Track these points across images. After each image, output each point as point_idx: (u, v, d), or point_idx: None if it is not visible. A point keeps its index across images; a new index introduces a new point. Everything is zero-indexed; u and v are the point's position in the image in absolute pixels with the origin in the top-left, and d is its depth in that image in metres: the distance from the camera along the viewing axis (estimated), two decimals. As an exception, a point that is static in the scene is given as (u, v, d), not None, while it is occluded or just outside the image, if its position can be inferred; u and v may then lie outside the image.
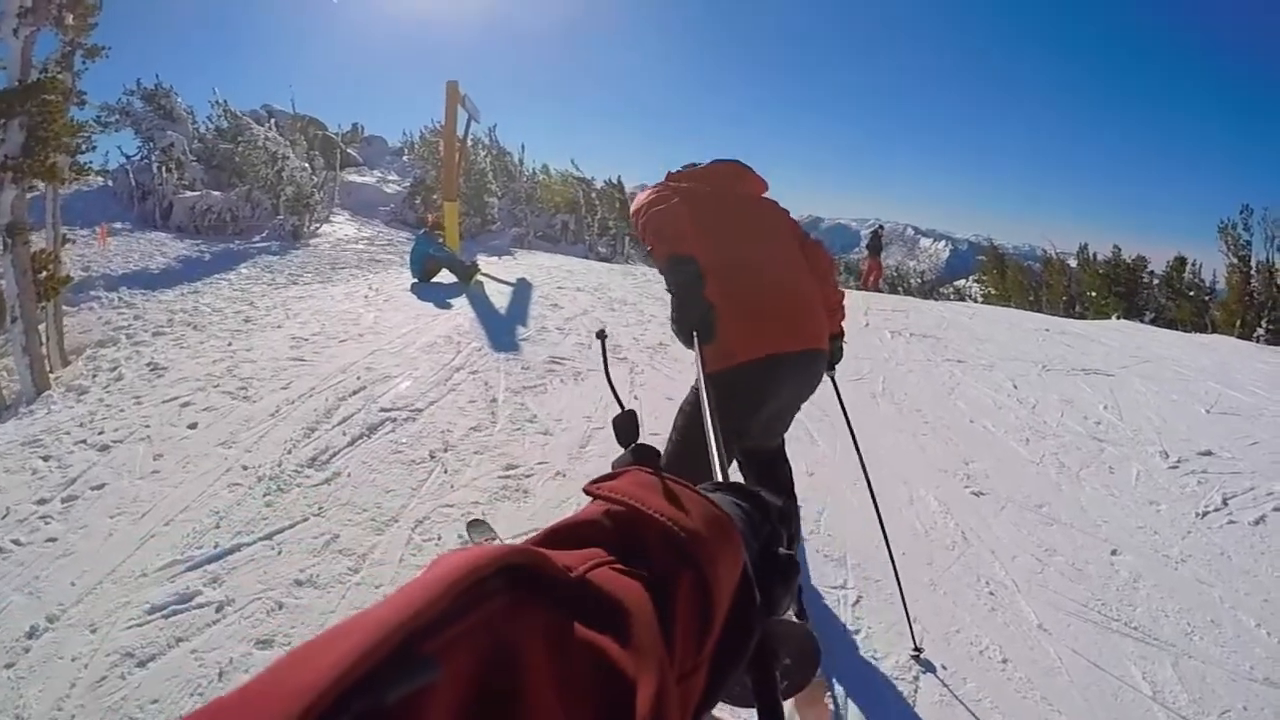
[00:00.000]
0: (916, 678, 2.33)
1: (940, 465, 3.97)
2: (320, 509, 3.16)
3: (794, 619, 0.52)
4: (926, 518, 3.36)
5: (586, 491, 0.46)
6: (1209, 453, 4.32)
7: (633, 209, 2.19)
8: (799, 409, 2.41)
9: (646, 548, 0.41)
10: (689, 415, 2.23)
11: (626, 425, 0.74)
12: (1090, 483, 3.86)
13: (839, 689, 2.27)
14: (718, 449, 0.97)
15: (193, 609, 2.52)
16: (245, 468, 3.55)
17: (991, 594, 2.79)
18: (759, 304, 2.12)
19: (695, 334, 1.76)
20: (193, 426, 4.07)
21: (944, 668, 2.37)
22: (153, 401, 4.49)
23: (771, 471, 2.50)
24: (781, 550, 0.51)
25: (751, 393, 2.12)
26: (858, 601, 2.71)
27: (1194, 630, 2.68)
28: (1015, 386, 5.43)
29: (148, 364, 5.24)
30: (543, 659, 0.30)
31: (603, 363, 0.95)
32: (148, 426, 4.09)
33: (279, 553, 2.84)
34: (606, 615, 0.34)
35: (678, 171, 2.40)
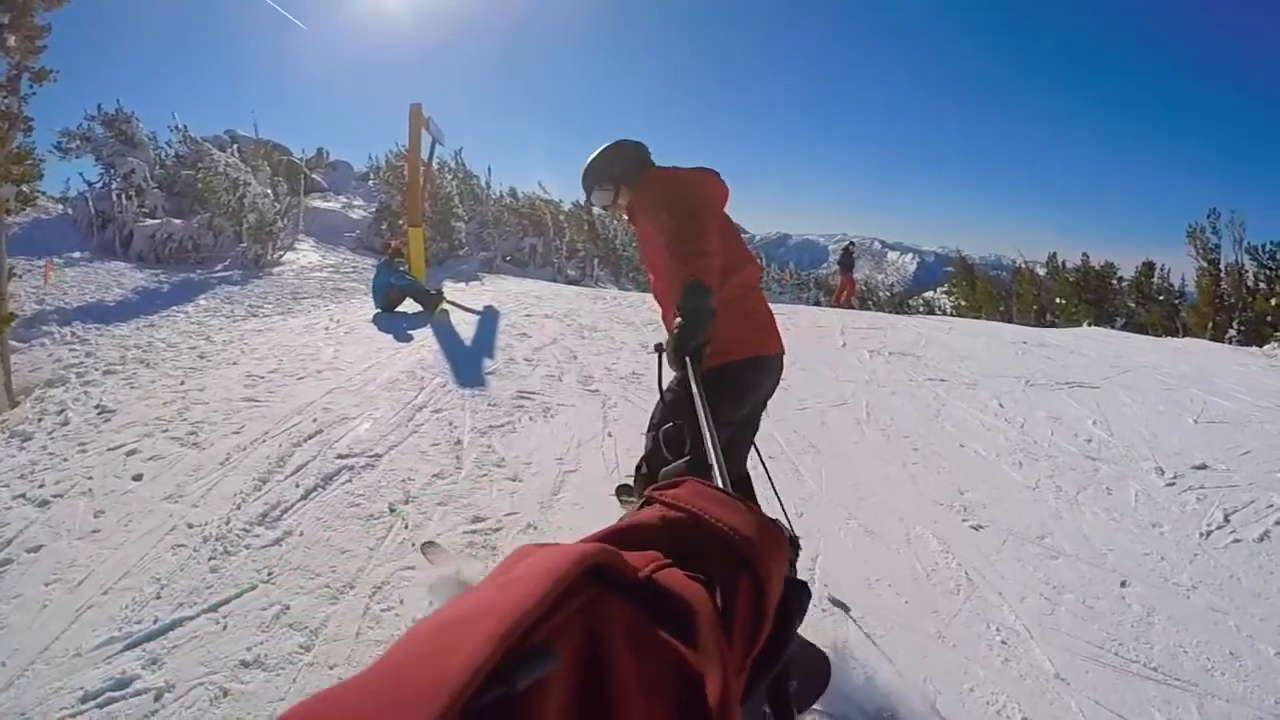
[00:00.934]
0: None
1: (935, 497, 3.78)
2: (270, 574, 2.88)
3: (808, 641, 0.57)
4: (926, 558, 3.16)
5: (648, 497, 0.50)
6: (1203, 466, 4.21)
7: (669, 198, 2.15)
8: (761, 417, 2.58)
9: (703, 552, 0.44)
10: (673, 405, 2.22)
11: (677, 437, 0.80)
12: (1090, 507, 3.69)
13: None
14: (717, 461, 1.00)
15: (130, 696, 2.24)
16: (191, 526, 3.26)
17: (1004, 642, 2.59)
18: (750, 309, 2.34)
19: (689, 359, 1.70)
20: (137, 478, 3.78)
21: (961, 735, 2.16)
22: (98, 449, 4.19)
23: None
24: (796, 576, 0.55)
25: (739, 387, 2.30)
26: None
27: (1214, 665, 2.52)
28: (1001, 405, 5.29)
29: (96, 406, 4.93)
30: (625, 650, 0.33)
31: (658, 375, 1.06)
32: (90, 478, 3.78)
33: (224, 627, 2.56)
34: (674, 614, 0.37)
35: (677, 167, 2.44)
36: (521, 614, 0.28)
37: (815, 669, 0.52)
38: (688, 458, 0.71)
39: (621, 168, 2.48)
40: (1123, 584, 3.01)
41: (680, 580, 0.40)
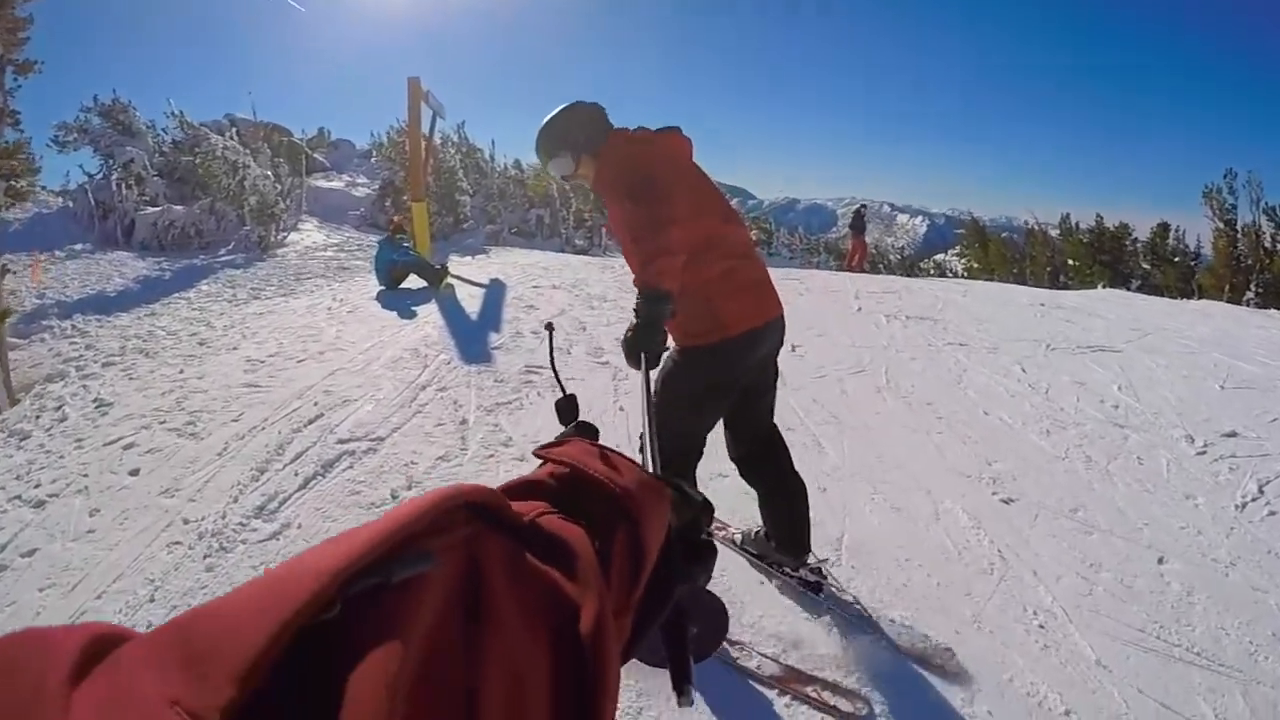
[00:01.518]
0: (975, 746, 2.00)
1: (962, 468, 3.63)
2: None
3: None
4: (957, 535, 3.02)
5: (536, 455, 0.53)
6: (1233, 434, 4.05)
7: (630, 179, 2.10)
8: (776, 374, 2.54)
9: (584, 502, 0.46)
10: (662, 418, 2.24)
11: (568, 407, 0.88)
12: (1122, 478, 3.54)
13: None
14: (652, 447, 1.07)
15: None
16: (186, 521, 3.16)
17: (1041, 627, 2.46)
18: (743, 280, 2.25)
19: (645, 357, 1.77)
20: (134, 473, 3.67)
21: (1002, 729, 2.04)
22: (94, 444, 4.07)
23: (768, 453, 2.57)
24: (702, 536, 0.58)
25: (737, 361, 2.26)
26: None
27: (1258, 649, 2.39)
28: (1024, 370, 5.12)
29: (94, 400, 4.80)
30: (503, 580, 0.34)
31: (549, 354, 1.05)
32: (86, 476, 3.68)
33: (220, 630, 2.45)
34: (554, 552, 0.39)
35: (636, 131, 2.34)
36: (400, 525, 0.30)
37: (715, 618, 0.61)
38: (575, 423, 0.78)
39: (582, 134, 2.30)
40: (1160, 560, 2.87)
41: (560, 524, 0.42)
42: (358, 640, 0.26)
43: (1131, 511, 3.24)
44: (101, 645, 0.25)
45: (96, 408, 4.68)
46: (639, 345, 1.84)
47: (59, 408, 4.77)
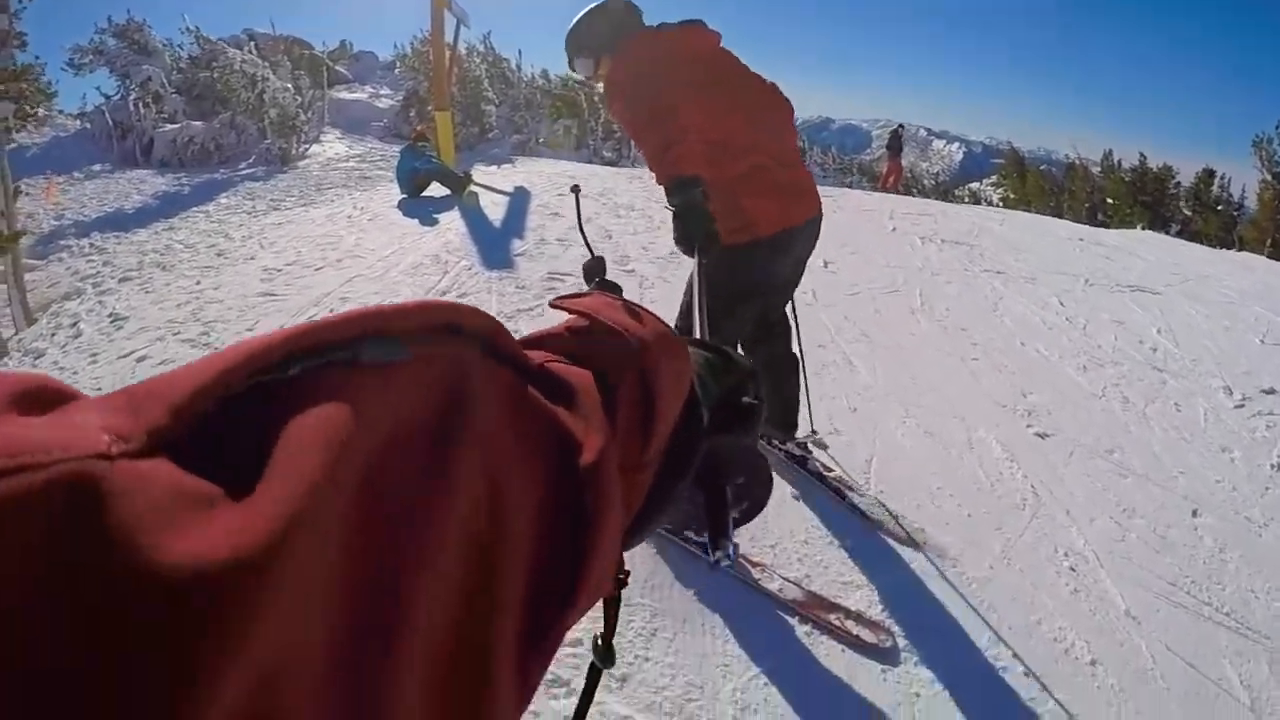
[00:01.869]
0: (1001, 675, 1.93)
1: (997, 398, 3.48)
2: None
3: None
4: (990, 466, 2.88)
5: (553, 305, 0.49)
6: (1272, 390, 3.89)
7: (630, 84, 2.08)
8: (802, 272, 2.50)
9: (597, 351, 0.42)
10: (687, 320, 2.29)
11: (595, 267, 0.85)
12: (1159, 423, 3.40)
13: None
14: (701, 320, 1.10)
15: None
16: (195, 439, 3.05)
17: (1072, 569, 2.34)
18: (770, 181, 2.16)
19: (699, 248, 1.78)
20: (144, 387, 3.55)
21: (1026, 674, 1.93)
22: (108, 359, 3.96)
23: (770, 334, 2.58)
24: (745, 399, 0.53)
25: (766, 261, 2.22)
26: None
27: (1285, 617, 2.28)
28: (1062, 304, 4.92)
29: (109, 315, 4.67)
30: (495, 404, 0.31)
31: (577, 217, 1.04)
32: (99, 390, 3.51)
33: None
34: (559, 390, 0.36)
35: (657, 28, 2.23)
36: (382, 312, 0.26)
37: (757, 463, 0.53)
38: (597, 280, 0.72)
39: (607, 35, 2.23)
40: (1194, 513, 2.75)
41: (567, 368, 0.38)
42: (313, 399, 0.22)
43: (1167, 458, 3.11)
44: (57, 396, 0.21)
45: (112, 322, 4.56)
46: (687, 232, 1.84)
47: (74, 324, 4.67)
